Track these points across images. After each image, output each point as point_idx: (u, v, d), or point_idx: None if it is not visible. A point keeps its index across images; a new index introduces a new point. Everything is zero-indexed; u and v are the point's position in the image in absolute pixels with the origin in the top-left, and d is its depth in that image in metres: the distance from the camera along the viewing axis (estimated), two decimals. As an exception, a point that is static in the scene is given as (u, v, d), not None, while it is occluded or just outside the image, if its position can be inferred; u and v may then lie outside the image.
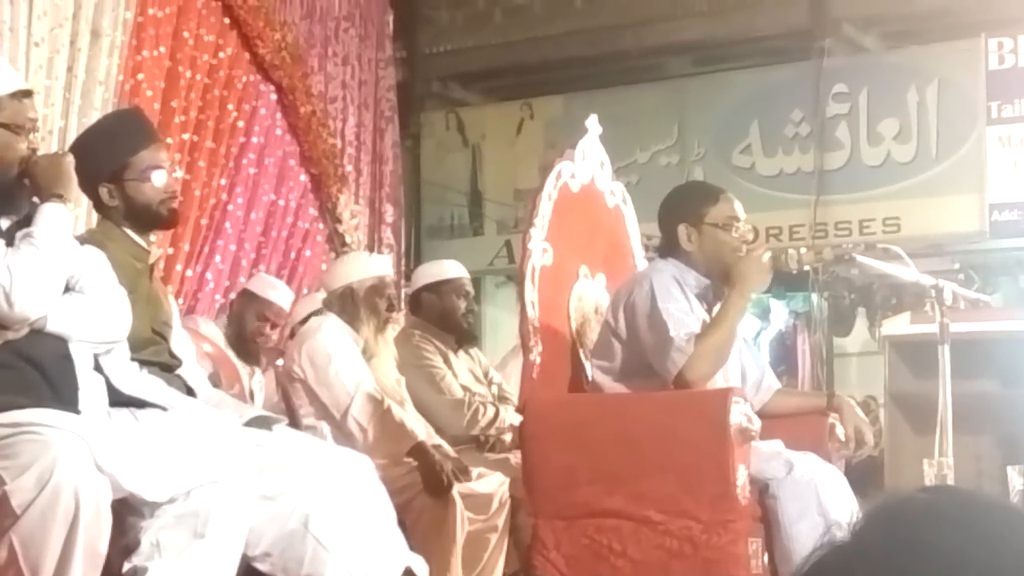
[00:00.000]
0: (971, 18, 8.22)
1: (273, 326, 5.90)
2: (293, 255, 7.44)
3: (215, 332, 5.80)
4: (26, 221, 3.07)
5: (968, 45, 8.20)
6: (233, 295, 6.40)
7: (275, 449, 3.37)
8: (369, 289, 4.93)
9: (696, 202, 4.20)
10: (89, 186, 3.38)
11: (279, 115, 7.40)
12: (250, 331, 5.80)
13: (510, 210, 9.35)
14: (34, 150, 3.13)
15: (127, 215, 3.52)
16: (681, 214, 4.19)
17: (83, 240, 3.27)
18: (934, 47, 8.38)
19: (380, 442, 4.56)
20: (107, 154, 3.48)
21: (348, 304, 4.92)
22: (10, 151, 3.06)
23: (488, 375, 5.52)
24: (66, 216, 3.09)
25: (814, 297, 9.01)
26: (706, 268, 4.15)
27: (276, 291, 5.97)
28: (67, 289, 3.08)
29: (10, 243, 2.99)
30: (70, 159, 3.17)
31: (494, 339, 9.00)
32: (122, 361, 3.29)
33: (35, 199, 3.09)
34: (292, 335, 5.61)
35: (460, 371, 5.32)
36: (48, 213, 3.04)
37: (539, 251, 4.26)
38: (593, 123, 4.66)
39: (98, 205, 3.57)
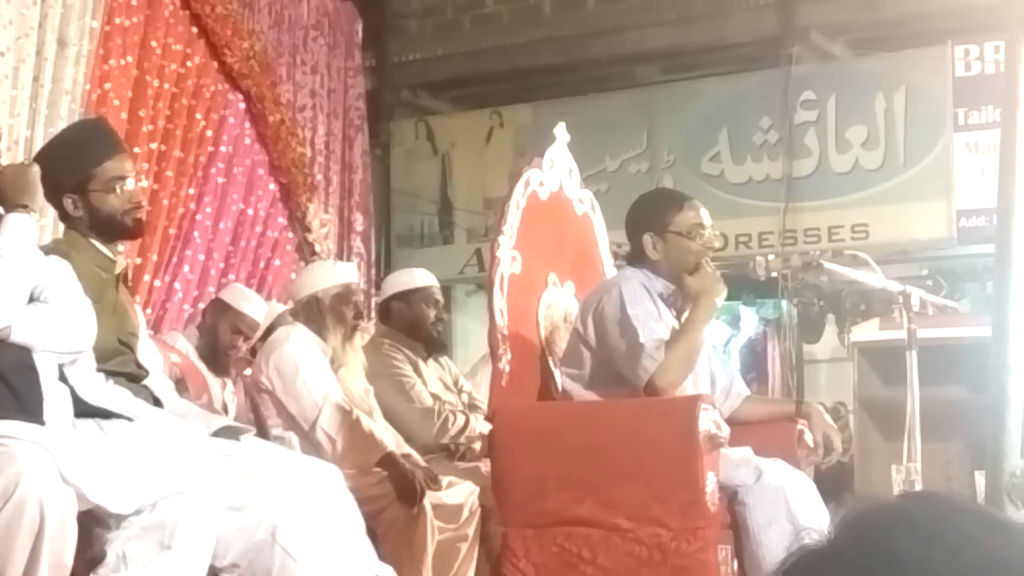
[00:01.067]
0: (938, 25, 8.26)
1: (246, 339, 5.84)
2: (262, 264, 7.42)
3: (185, 346, 5.76)
4: (-11, 231, 3.05)
5: (935, 52, 8.24)
6: (203, 304, 6.35)
7: (243, 459, 3.36)
8: (335, 297, 4.92)
9: (660, 211, 4.21)
10: (54, 196, 3.36)
11: (248, 124, 7.38)
12: (223, 344, 5.75)
13: (480, 218, 9.34)
14: (-3, 158, 3.12)
15: (92, 225, 3.50)
16: (645, 223, 4.19)
17: (48, 250, 3.25)
18: (901, 54, 8.41)
19: (349, 453, 4.55)
20: (72, 164, 3.46)
21: (314, 313, 4.90)
22: (-27, 161, 3.06)
23: (458, 383, 5.52)
24: (31, 226, 3.07)
25: (783, 304, 9.04)
26: (672, 276, 4.16)
27: (251, 304, 5.92)
28: (32, 299, 3.06)
29: (-27, 253, 2.97)
30: (36, 169, 3.15)
31: (464, 348, 9.00)
32: (87, 371, 3.27)
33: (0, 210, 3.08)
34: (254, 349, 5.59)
35: (430, 380, 5.31)
36: (13, 223, 3.03)
37: (508, 259, 4.25)
38: (561, 131, 4.66)
39: (63, 215, 3.55)
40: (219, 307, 5.87)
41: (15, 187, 3.07)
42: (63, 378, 3.16)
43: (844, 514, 0.97)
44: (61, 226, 3.82)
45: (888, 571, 0.89)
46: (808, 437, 4.31)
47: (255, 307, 5.93)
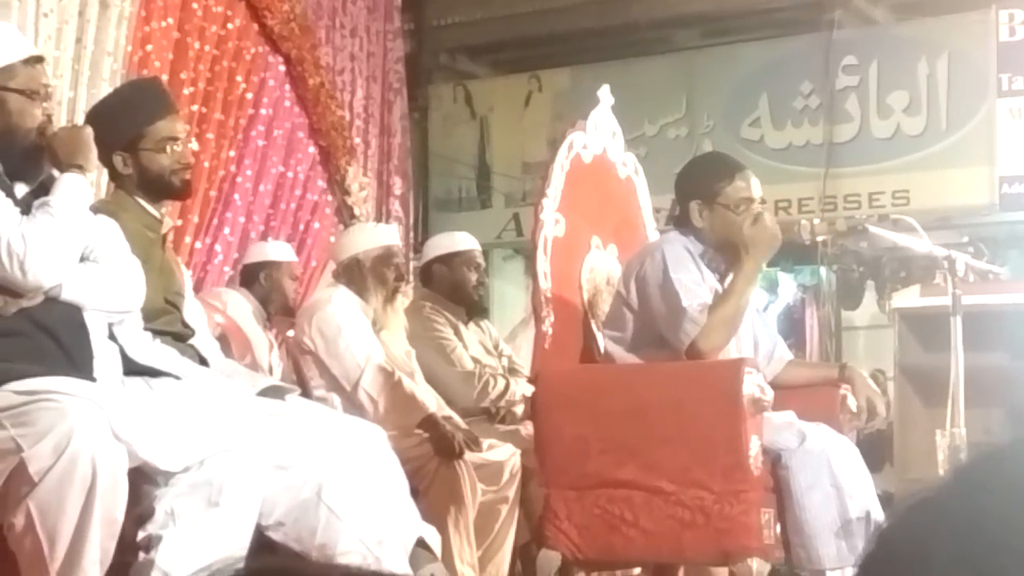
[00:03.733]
0: (982, -11, 8.19)
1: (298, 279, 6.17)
2: (302, 227, 7.42)
3: (238, 300, 5.78)
4: (42, 190, 3.07)
5: (979, 17, 8.16)
6: (237, 270, 6.39)
7: (288, 419, 3.38)
8: (376, 259, 4.93)
9: (710, 179, 4.17)
10: (104, 154, 3.37)
11: (287, 87, 7.37)
12: (292, 299, 5.89)
13: (518, 183, 9.33)
14: (49, 117, 3.13)
15: (140, 184, 3.52)
16: (694, 190, 4.16)
17: (96, 210, 3.26)
18: (944, 19, 8.33)
19: (391, 414, 4.56)
20: (124, 122, 3.48)
21: (355, 275, 4.92)
22: (26, 117, 3.07)
23: (498, 347, 5.52)
24: (85, 186, 3.09)
25: (822, 270, 9.01)
26: (715, 245, 4.14)
27: (285, 250, 6.18)
28: (82, 259, 3.08)
29: (26, 211, 2.99)
30: (89, 131, 3.17)
31: (502, 312, 9.00)
32: (135, 330, 3.29)
33: (54, 171, 3.09)
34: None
35: (471, 343, 5.32)
36: (67, 183, 3.05)
37: (551, 222, 4.25)
38: (605, 93, 4.65)
39: (112, 173, 3.57)
40: (269, 267, 5.93)
41: (69, 148, 3.09)
42: (112, 337, 3.18)
43: (955, 466, 0.91)
44: (104, 189, 3.84)
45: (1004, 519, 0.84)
46: (851, 402, 4.30)
47: (289, 251, 6.20)
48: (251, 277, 5.96)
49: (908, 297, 6.46)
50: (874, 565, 0.89)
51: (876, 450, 6.59)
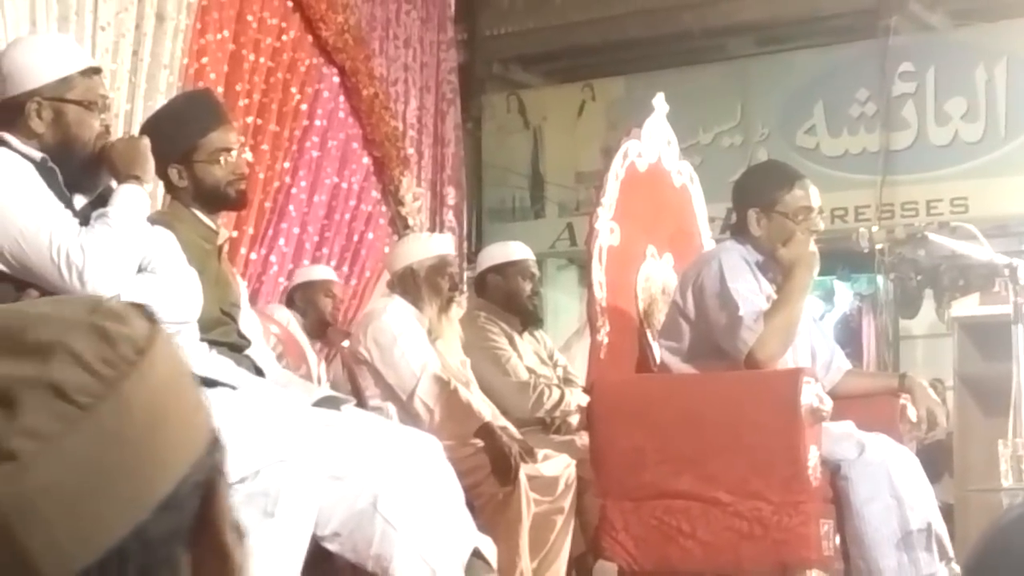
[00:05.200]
0: (1040, -6, 8.09)
1: (339, 299, 6.33)
2: (356, 238, 7.44)
3: (286, 316, 5.93)
4: (100, 201, 3.08)
5: (1037, 22, 8.08)
6: (283, 292, 6.56)
7: (344, 429, 3.37)
8: (430, 269, 4.93)
9: (769, 188, 4.14)
10: (160, 166, 3.38)
11: (342, 98, 7.40)
12: (329, 312, 6.10)
13: (571, 192, 9.32)
14: (107, 127, 3.15)
15: (196, 196, 3.54)
16: (753, 197, 4.14)
17: (153, 221, 3.27)
18: (1002, 24, 8.25)
19: (446, 423, 4.56)
20: (178, 135, 3.49)
21: (410, 285, 4.92)
22: (84, 128, 3.08)
23: (553, 357, 5.50)
24: (143, 198, 3.11)
25: (879, 279, 8.93)
26: (773, 254, 4.11)
27: (325, 270, 6.44)
28: (139, 270, 3.09)
29: (84, 222, 3.00)
30: (146, 142, 3.18)
31: (555, 322, 8.97)
32: (192, 341, 3.30)
33: (112, 182, 3.11)
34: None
35: (525, 353, 5.30)
36: (125, 194, 3.06)
37: (606, 231, 4.23)
38: (660, 102, 4.63)
39: (168, 185, 3.59)
40: (304, 287, 6.22)
41: (127, 159, 3.10)
42: (169, 348, 3.18)
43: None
44: (160, 200, 3.86)
45: None
46: (911, 412, 4.25)
47: (328, 271, 6.46)
48: (291, 299, 6.27)
49: (967, 306, 6.38)
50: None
51: (936, 461, 6.52)
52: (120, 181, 3.09)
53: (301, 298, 6.18)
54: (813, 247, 4.04)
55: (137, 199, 3.07)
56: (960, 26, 8.57)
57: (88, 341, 0.81)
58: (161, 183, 3.74)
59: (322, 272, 6.44)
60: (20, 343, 0.80)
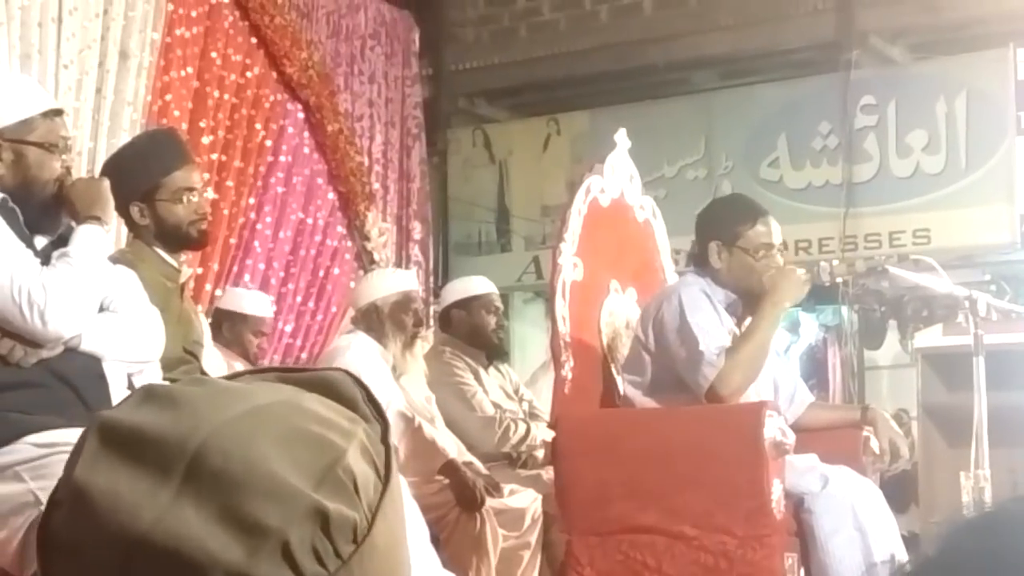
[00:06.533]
0: (999, 28, 8.16)
1: (264, 336, 5.97)
2: (322, 273, 7.45)
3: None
4: (61, 242, 3.08)
5: (996, 55, 8.14)
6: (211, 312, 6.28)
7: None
8: (394, 305, 4.94)
9: (732, 222, 4.16)
10: (121, 204, 3.39)
11: (306, 133, 7.41)
12: (252, 353, 5.75)
13: (537, 226, 9.33)
14: (68, 168, 3.15)
15: (158, 235, 3.54)
16: (716, 231, 4.16)
17: (114, 260, 3.27)
18: (962, 58, 8.32)
19: (411, 460, 4.55)
20: (141, 173, 3.50)
21: (374, 321, 4.93)
22: (45, 170, 3.08)
23: (519, 391, 5.51)
24: (102, 237, 3.10)
25: (844, 310, 8.97)
26: (732, 288, 4.13)
27: (260, 304, 5.99)
28: (101, 309, 3.08)
29: (45, 262, 2.99)
30: (107, 183, 3.18)
31: (522, 355, 8.99)
32: (155, 380, 3.29)
33: (72, 223, 3.10)
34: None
35: (491, 388, 5.31)
36: (85, 233, 3.05)
37: (569, 266, 4.25)
38: (622, 137, 4.66)
39: (130, 224, 3.58)
40: (237, 319, 5.83)
41: (86, 200, 3.10)
42: (131, 387, 3.18)
43: (956, 521, 0.92)
44: (123, 238, 3.85)
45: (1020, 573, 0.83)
46: (874, 444, 4.27)
47: (265, 306, 6.01)
48: (217, 323, 5.81)
49: (930, 336, 6.42)
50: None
51: (901, 491, 6.55)
52: (79, 222, 3.08)
53: (230, 329, 5.79)
54: (802, 281, 4.04)
55: (97, 239, 3.06)
56: (920, 59, 8.64)
57: (304, 532, 0.78)
58: (120, 222, 3.73)
59: (261, 307, 5.98)
60: (239, 511, 0.77)
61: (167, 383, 3.03)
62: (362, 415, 0.88)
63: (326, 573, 0.80)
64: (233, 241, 6.76)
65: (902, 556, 3.92)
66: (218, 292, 6.58)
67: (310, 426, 0.83)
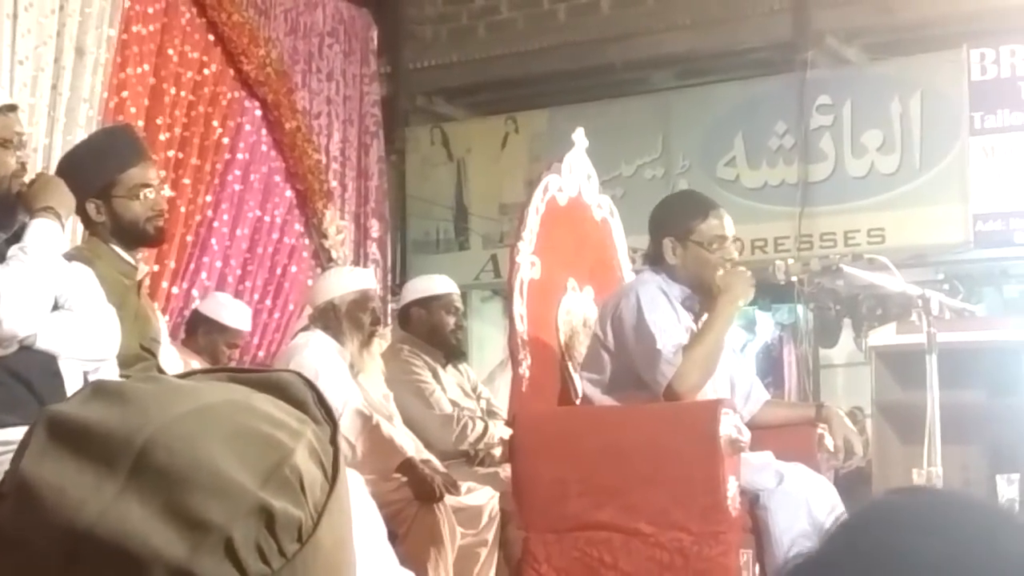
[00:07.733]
0: (953, 29, 8.24)
1: (236, 347, 6.01)
2: (279, 271, 7.43)
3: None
4: (15, 239, 3.06)
5: (951, 56, 8.21)
6: (185, 317, 6.28)
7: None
8: (351, 303, 4.93)
9: (684, 216, 4.20)
10: (78, 201, 3.37)
11: (264, 131, 7.40)
12: (223, 363, 5.74)
13: (496, 224, 9.34)
14: (23, 165, 3.13)
15: (114, 232, 3.52)
16: (668, 227, 4.19)
17: (70, 257, 3.26)
18: (917, 58, 8.39)
19: (369, 458, 4.55)
20: (97, 170, 3.49)
21: (331, 319, 4.92)
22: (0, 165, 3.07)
23: (476, 390, 5.52)
24: (56, 231, 3.09)
25: (799, 309, 9.02)
26: (688, 282, 4.16)
27: (240, 316, 6.02)
28: (56, 306, 3.07)
29: (0, 259, 2.98)
30: (61, 181, 3.17)
31: (480, 354, 9.00)
32: (111, 378, 3.28)
33: (26, 218, 3.09)
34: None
35: (449, 386, 5.31)
36: (38, 228, 3.04)
37: (527, 264, 4.26)
38: (580, 136, 4.67)
39: (86, 221, 3.57)
40: (214, 327, 5.88)
41: (42, 195, 3.09)
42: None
43: (842, 517, 0.92)
44: (80, 236, 3.84)
45: (896, 569, 0.84)
46: (829, 441, 4.31)
47: (244, 318, 6.04)
48: (194, 325, 5.90)
49: (884, 335, 6.48)
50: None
51: (856, 488, 6.59)
52: (33, 216, 3.07)
53: (205, 334, 5.87)
54: (750, 279, 4.07)
55: (50, 232, 3.05)
56: (875, 60, 8.71)
57: (249, 529, 0.79)
58: (76, 220, 3.71)
59: (235, 318, 6.01)
60: (183, 506, 0.78)
61: (118, 379, 3.03)
62: (312, 416, 0.89)
63: (270, 571, 0.80)
64: (190, 239, 6.74)
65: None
66: (174, 290, 6.56)
67: (258, 425, 0.84)
